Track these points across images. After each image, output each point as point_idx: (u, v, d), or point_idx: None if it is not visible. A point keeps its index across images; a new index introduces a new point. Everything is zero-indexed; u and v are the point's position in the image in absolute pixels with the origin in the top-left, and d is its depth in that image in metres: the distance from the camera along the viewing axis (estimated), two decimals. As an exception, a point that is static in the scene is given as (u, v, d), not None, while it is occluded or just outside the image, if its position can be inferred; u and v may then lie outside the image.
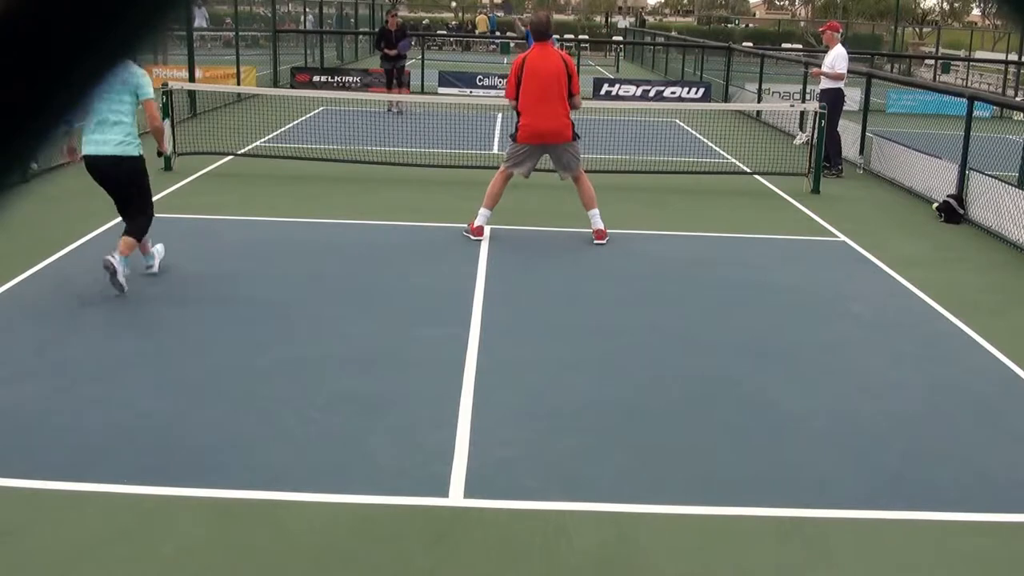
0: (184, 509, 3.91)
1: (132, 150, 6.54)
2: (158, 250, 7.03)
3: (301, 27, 27.53)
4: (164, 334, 5.89)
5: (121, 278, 6.40)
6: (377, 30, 19.92)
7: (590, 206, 8.42)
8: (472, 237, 8.28)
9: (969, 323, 6.62)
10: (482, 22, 45.84)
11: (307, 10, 28.93)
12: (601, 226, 8.38)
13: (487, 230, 8.55)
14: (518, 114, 8.35)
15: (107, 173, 6.57)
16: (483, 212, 8.35)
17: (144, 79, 6.59)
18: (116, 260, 6.37)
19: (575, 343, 6.00)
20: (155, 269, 6.95)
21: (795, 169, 11.67)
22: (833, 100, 12.29)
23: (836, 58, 12.45)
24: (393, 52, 17.12)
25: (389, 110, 16.65)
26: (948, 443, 4.83)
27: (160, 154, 7.78)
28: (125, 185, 6.62)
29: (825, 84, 12.53)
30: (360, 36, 31.15)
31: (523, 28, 16.92)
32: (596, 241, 8.35)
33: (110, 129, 6.45)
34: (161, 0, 0.50)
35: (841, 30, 13.52)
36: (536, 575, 3.58)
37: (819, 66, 13.16)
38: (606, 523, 3.93)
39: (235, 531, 3.78)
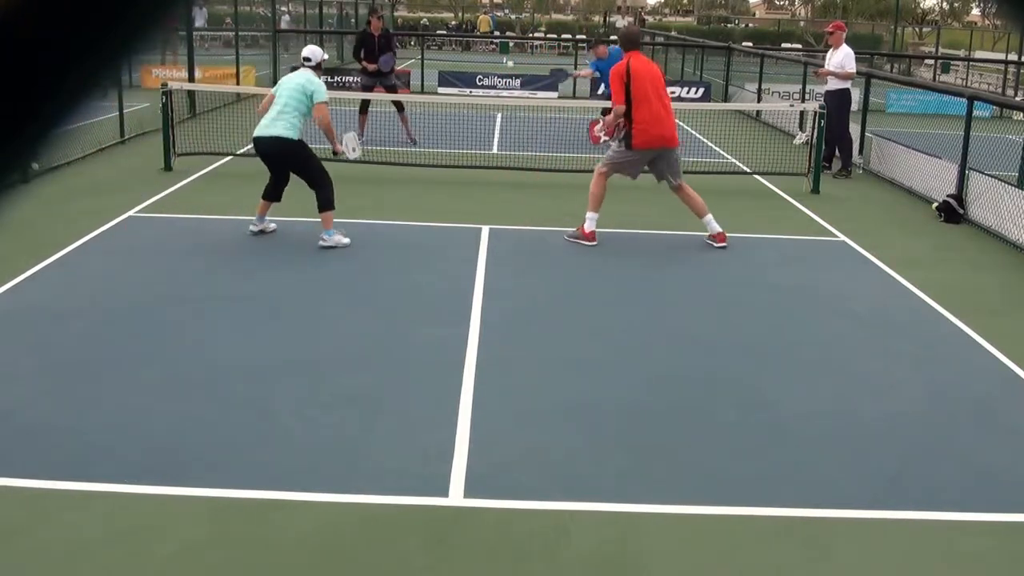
0: (184, 509, 3.91)
1: (292, 135, 7.79)
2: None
3: (277, 28, 27.03)
4: (164, 334, 5.89)
5: (343, 241, 7.84)
6: (358, 34, 14.79)
7: (702, 213, 8.44)
8: (586, 243, 8.22)
9: (969, 323, 6.61)
10: (484, 22, 45.97)
11: (283, 8, 28.49)
12: (719, 229, 8.38)
13: (487, 232, 8.55)
14: (629, 120, 8.13)
15: (268, 151, 7.85)
16: (591, 216, 8.30)
17: (321, 85, 8.01)
18: (326, 238, 7.79)
19: (575, 343, 6.00)
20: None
21: (795, 169, 11.67)
22: (841, 100, 12.27)
23: (845, 58, 12.41)
24: (373, 67, 13.13)
25: (359, 137, 13.12)
26: (948, 443, 4.83)
27: (335, 154, 8.52)
28: (286, 163, 7.90)
29: (832, 85, 12.48)
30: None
31: (588, 73, 15.07)
32: (717, 244, 8.33)
33: (281, 116, 7.79)
34: (161, 1, 0.50)
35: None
36: (536, 575, 3.58)
37: (820, 66, 13.14)
38: (606, 523, 3.93)
39: (235, 531, 3.78)
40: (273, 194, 8.07)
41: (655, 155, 8.33)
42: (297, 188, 10.52)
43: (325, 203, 7.80)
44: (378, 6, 18.65)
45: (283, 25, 27.70)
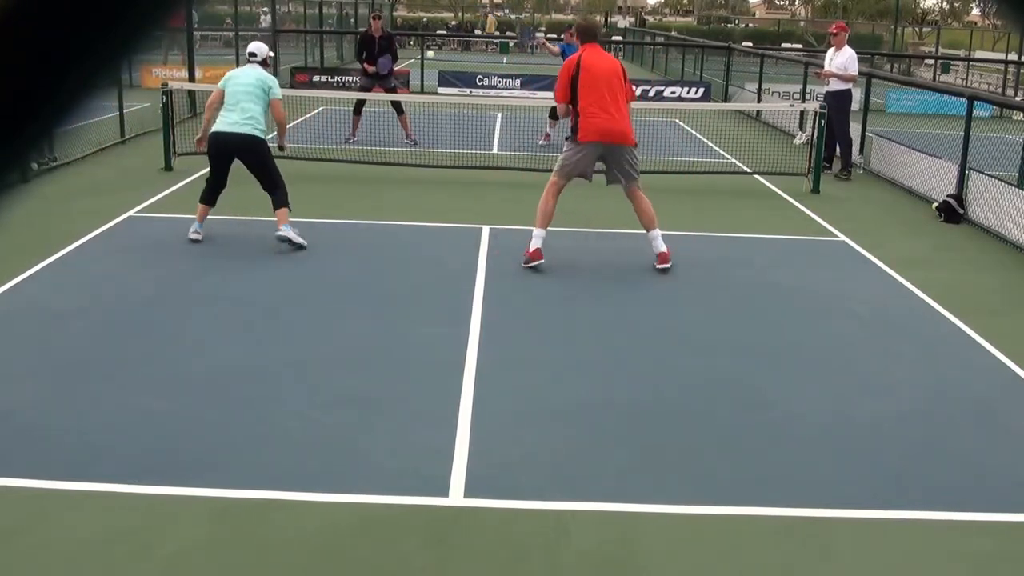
0: (184, 509, 3.91)
1: (261, 135, 7.80)
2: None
3: (262, 26, 26.54)
4: (164, 334, 5.89)
5: (297, 239, 7.71)
6: (359, 36, 14.91)
7: (650, 227, 7.60)
8: (534, 263, 7.39)
9: (969, 323, 6.61)
10: (492, 23, 46.08)
11: (275, 8, 28.33)
12: (664, 249, 7.54)
13: (487, 232, 8.55)
14: (576, 115, 7.48)
15: (234, 146, 7.77)
16: (537, 233, 7.47)
17: (274, 80, 8.06)
18: (283, 231, 7.68)
19: (575, 343, 6.00)
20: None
21: (795, 169, 11.67)
22: (842, 101, 12.29)
23: (849, 59, 12.42)
24: (372, 69, 13.14)
25: (347, 141, 13.02)
26: (948, 443, 4.83)
27: (281, 148, 8.42)
28: (249, 160, 7.82)
29: (834, 86, 12.48)
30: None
31: (555, 49, 14.18)
32: (659, 266, 7.51)
33: (245, 117, 7.73)
34: (160, 1, 0.50)
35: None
36: (536, 575, 3.58)
37: (821, 66, 13.15)
38: (607, 523, 3.93)
39: (235, 531, 3.78)
40: (213, 197, 7.97)
41: (604, 151, 7.53)
42: (305, 188, 10.51)
43: (283, 200, 7.76)
44: (379, 7, 18.59)
45: (263, 23, 27.36)
